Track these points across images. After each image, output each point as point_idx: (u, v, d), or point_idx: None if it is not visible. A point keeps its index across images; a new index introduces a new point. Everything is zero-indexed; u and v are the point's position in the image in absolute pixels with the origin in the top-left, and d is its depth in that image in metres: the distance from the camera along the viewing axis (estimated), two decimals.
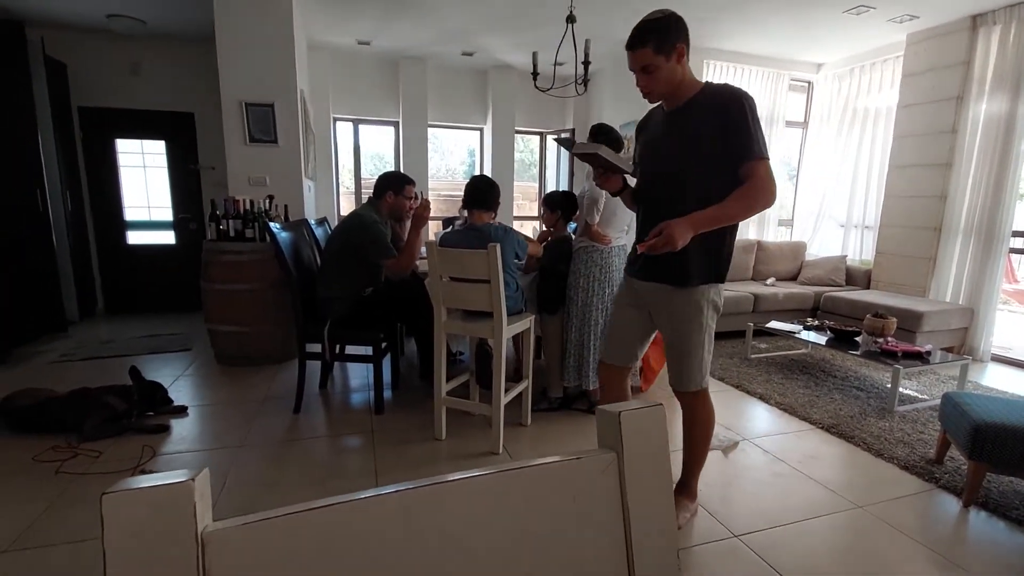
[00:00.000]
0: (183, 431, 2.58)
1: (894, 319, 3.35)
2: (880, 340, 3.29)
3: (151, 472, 2.15)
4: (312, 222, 3.50)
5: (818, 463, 2.34)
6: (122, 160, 5.04)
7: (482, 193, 2.52)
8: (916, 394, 3.21)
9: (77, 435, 2.41)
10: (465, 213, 2.68)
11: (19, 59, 3.86)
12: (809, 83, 5.66)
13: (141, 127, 4.99)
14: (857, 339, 3.42)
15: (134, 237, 5.18)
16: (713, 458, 2.37)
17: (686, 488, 1.90)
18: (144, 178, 5.13)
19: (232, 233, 3.52)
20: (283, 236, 2.76)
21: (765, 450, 2.45)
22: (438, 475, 0.47)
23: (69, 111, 4.68)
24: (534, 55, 3.31)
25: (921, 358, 3.05)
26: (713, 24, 4.39)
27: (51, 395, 2.60)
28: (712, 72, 5.17)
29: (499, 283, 2.18)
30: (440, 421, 2.47)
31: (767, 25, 4.41)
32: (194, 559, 0.38)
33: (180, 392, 3.05)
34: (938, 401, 3.02)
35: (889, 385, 3.23)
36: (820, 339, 3.49)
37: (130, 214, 5.13)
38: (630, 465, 0.52)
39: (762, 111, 5.37)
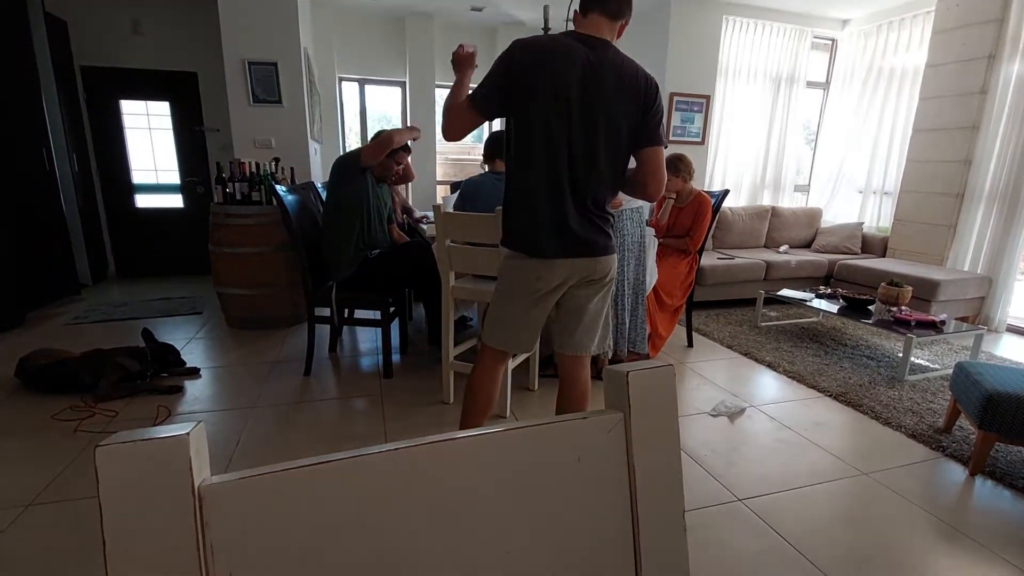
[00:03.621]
0: (196, 392, 2.63)
1: (909, 288, 3.29)
2: (894, 309, 3.24)
3: None
4: (319, 185, 3.46)
5: (825, 430, 2.34)
6: (127, 122, 4.99)
7: (502, 144, 2.54)
8: (928, 364, 3.18)
9: (93, 395, 2.46)
10: (486, 167, 2.71)
11: (19, 17, 3.78)
12: (833, 41, 5.42)
13: (145, 87, 4.92)
14: (870, 308, 3.37)
15: (142, 200, 5.18)
16: (719, 424, 2.38)
17: None
18: (150, 140, 5.08)
19: (239, 196, 3.49)
20: (289, 199, 2.73)
21: (771, 417, 2.45)
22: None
23: (72, 71, 4.60)
24: (545, 9, 3.18)
25: (935, 327, 3.01)
26: None
27: (66, 355, 2.64)
28: (732, 28, 4.96)
29: None
30: (448, 385, 2.49)
31: None
32: (191, 512, 0.37)
33: (192, 354, 3.09)
34: (950, 371, 3.00)
35: (901, 355, 3.20)
36: (832, 308, 3.45)
37: (137, 177, 5.11)
38: (637, 425, 0.50)
39: (783, 71, 5.19)
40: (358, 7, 5.16)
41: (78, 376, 2.53)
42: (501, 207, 1.65)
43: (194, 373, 2.83)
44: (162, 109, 5.03)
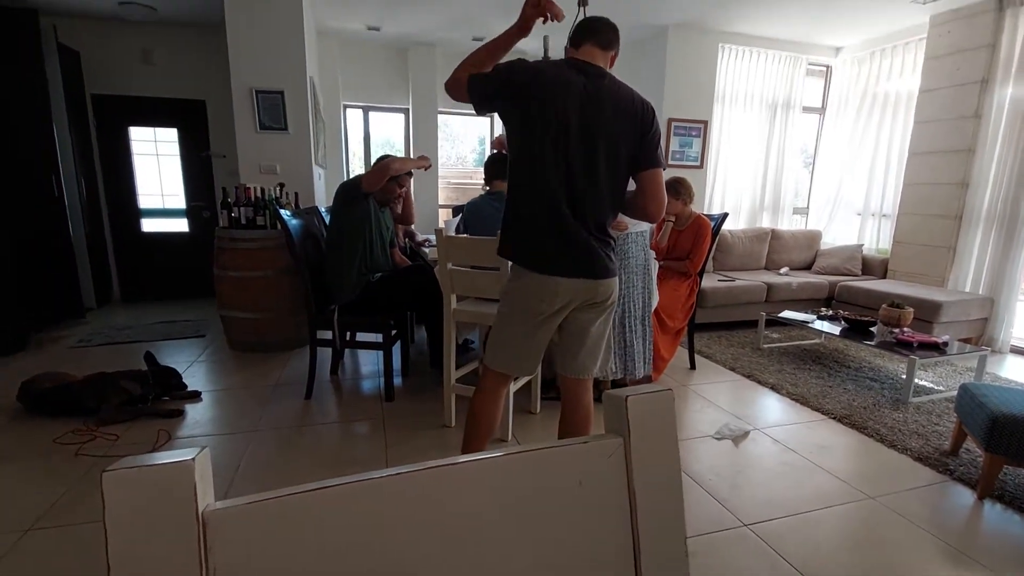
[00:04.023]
0: (197, 415, 2.62)
1: (911, 309, 3.29)
2: (896, 330, 3.24)
3: None
4: (322, 209, 3.51)
5: (830, 453, 2.32)
6: (135, 148, 5.08)
7: (502, 165, 2.66)
8: (932, 385, 3.16)
9: (95, 418, 2.46)
10: (487, 188, 2.78)
11: (33, 47, 3.89)
12: (827, 67, 5.53)
13: (154, 115, 5.02)
14: (872, 329, 3.36)
15: (148, 224, 5.24)
16: (723, 447, 2.36)
17: None
18: (157, 166, 5.17)
19: (244, 221, 3.54)
20: (294, 223, 2.77)
21: (776, 440, 2.43)
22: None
23: (83, 99, 4.71)
24: (545, 39, 3.25)
25: (938, 349, 3.00)
26: (729, 7, 4.29)
27: (69, 379, 2.65)
28: (728, 55, 5.07)
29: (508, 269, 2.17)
30: (450, 408, 2.48)
31: (785, 8, 4.30)
32: (195, 537, 0.38)
33: (194, 377, 3.09)
34: (954, 393, 2.98)
35: (904, 376, 3.19)
36: (834, 329, 3.44)
37: (144, 201, 5.18)
38: (637, 450, 0.51)
39: (779, 96, 5.28)
40: (363, 38, 5.30)
41: (81, 400, 2.53)
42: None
43: (195, 397, 2.83)
44: (170, 136, 5.13)
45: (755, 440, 2.43)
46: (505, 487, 0.47)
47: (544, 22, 1.57)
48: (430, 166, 3.06)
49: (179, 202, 5.25)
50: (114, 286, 5.18)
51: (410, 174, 2.99)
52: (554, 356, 1.74)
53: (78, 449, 2.23)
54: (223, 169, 5.12)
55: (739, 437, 2.44)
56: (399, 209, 3.16)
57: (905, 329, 3.23)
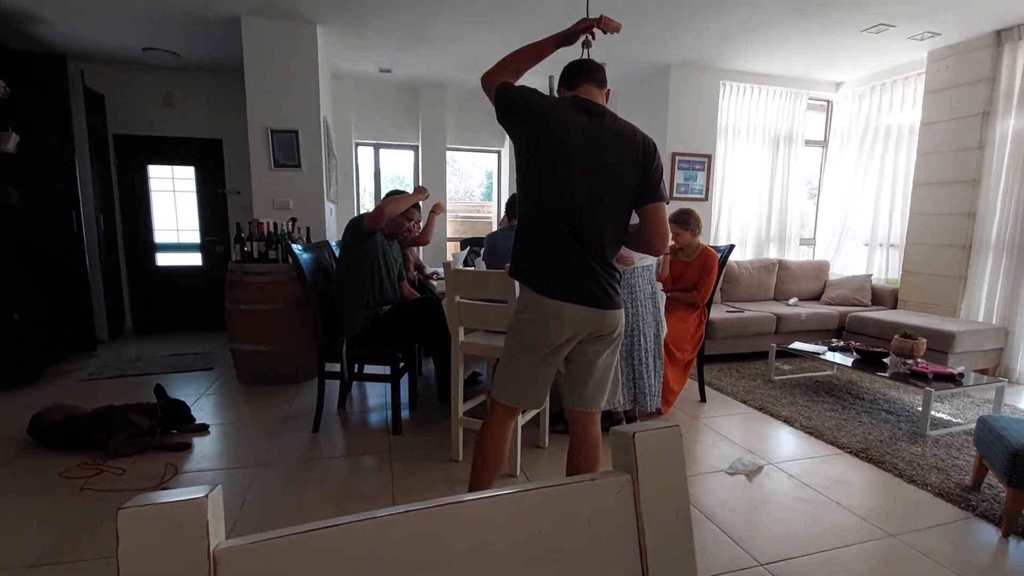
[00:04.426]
0: (205, 449, 2.61)
1: (924, 340, 3.25)
2: (909, 361, 3.19)
3: (173, 490, 2.18)
4: (333, 243, 3.57)
5: (847, 489, 2.26)
6: (153, 185, 5.23)
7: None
8: (949, 418, 3.09)
9: (102, 452, 2.46)
10: (507, 222, 2.93)
11: (60, 90, 4.06)
12: (828, 102, 5.62)
13: (172, 153, 5.19)
14: (885, 360, 3.32)
15: (163, 259, 5.34)
16: (737, 482, 2.31)
17: None
18: (174, 202, 5.30)
19: (256, 255, 3.60)
20: (304, 257, 2.81)
21: (791, 475, 2.37)
22: (452, 495, 0.47)
23: (106, 139, 4.88)
24: (550, 79, 3.37)
25: (953, 380, 2.95)
26: (729, 45, 4.41)
27: (78, 412, 2.66)
28: (729, 92, 5.18)
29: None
30: (457, 442, 2.46)
31: (785, 45, 4.42)
32: (207, 575, 0.38)
33: (202, 410, 3.10)
34: (973, 425, 2.91)
35: (920, 408, 3.12)
36: (846, 360, 3.40)
37: (159, 236, 5.30)
38: (645, 487, 0.51)
39: (780, 130, 5.36)
40: (375, 79, 5.48)
41: (89, 433, 2.53)
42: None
43: (203, 430, 2.83)
44: (187, 173, 5.28)
45: (769, 475, 2.38)
46: (513, 525, 0.47)
47: (592, 37, 1.68)
48: (427, 196, 3.09)
49: (194, 237, 5.36)
50: (127, 318, 5.25)
51: (417, 207, 3.05)
52: (561, 389, 1.74)
53: (84, 483, 2.23)
54: (237, 205, 5.25)
55: (753, 472, 2.39)
56: (416, 233, 3.20)
57: (919, 360, 3.18)
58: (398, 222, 2.92)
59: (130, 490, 2.17)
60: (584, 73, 1.63)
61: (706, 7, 3.68)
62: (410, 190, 3.00)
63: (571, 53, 1.74)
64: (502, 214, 6.47)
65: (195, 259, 5.40)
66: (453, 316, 2.37)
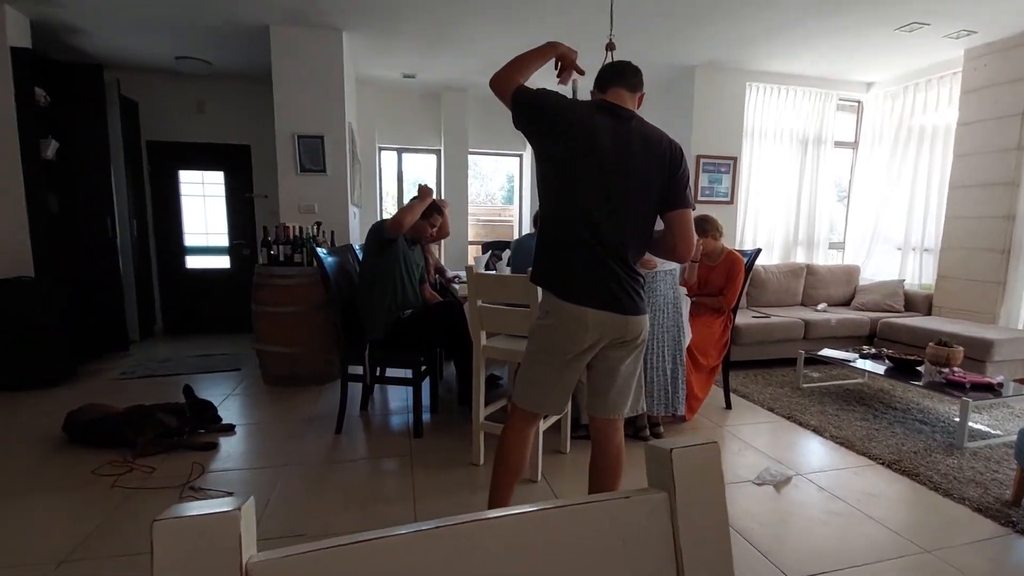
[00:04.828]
0: (230, 449, 2.66)
1: (960, 348, 3.13)
2: (945, 370, 3.08)
3: (200, 489, 2.22)
4: (357, 247, 3.61)
5: (879, 502, 2.18)
6: (184, 189, 5.37)
7: None
8: (988, 429, 2.97)
9: (132, 450, 2.52)
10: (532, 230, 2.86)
11: (97, 99, 4.20)
12: (859, 102, 5.48)
13: (202, 159, 5.32)
14: (919, 368, 3.21)
15: (192, 261, 5.48)
16: (764, 493, 2.25)
17: None
18: (203, 206, 5.43)
19: (282, 258, 3.66)
20: (329, 261, 2.85)
21: (821, 486, 2.31)
22: (479, 510, 0.46)
23: (139, 145, 5.03)
24: (573, 82, 3.35)
25: (992, 390, 2.84)
26: (756, 46, 4.34)
27: (110, 411, 2.74)
28: (756, 93, 5.09)
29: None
30: (478, 446, 2.46)
31: (813, 45, 4.32)
32: None
33: (229, 411, 3.16)
34: (1013, 437, 2.80)
35: (956, 419, 3.01)
36: (878, 368, 3.30)
37: (189, 240, 5.44)
38: (683, 506, 0.49)
39: (809, 132, 5.25)
40: (399, 85, 5.54)
41: (120, 431, 2.60)
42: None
43: (229, 430, 2.88)
44: (217, 178, 5.41)
45: (798, 486, 2.32)
46: (545, 543, 0.46)
47: (557, 72, 1.67)
48: (432, 194, 3.02)
49: (222, 240, 5.49)
50: (158, 319, 5.39)
51: (440, 212, 3.05)
52: (584, 395, 1.72)
53: (114, 481, 2.28)
54: (264, 209, 5.35)
55: (781, 483, 2.33)
56: (434, 235, 3.17)
57: (955, 369, 3.07)
58: (420, 227, 2.94)
59: (159, 488, 2.22)
60: (615, 77, 1.60)
61: (732, 8, 3.63)
62: (433, 197, 3.00)
63: (585, 50, 1.72)
64: (526, 219, 6.47)
65: (223, 262, 5.52)
66: (475, 320, 2.37)
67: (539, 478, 2.32)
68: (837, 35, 4.07)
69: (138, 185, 5.02)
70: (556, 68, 1.68)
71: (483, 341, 2.40)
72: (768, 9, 3.63)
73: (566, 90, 1.83)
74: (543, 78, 1.66)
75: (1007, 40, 3.96)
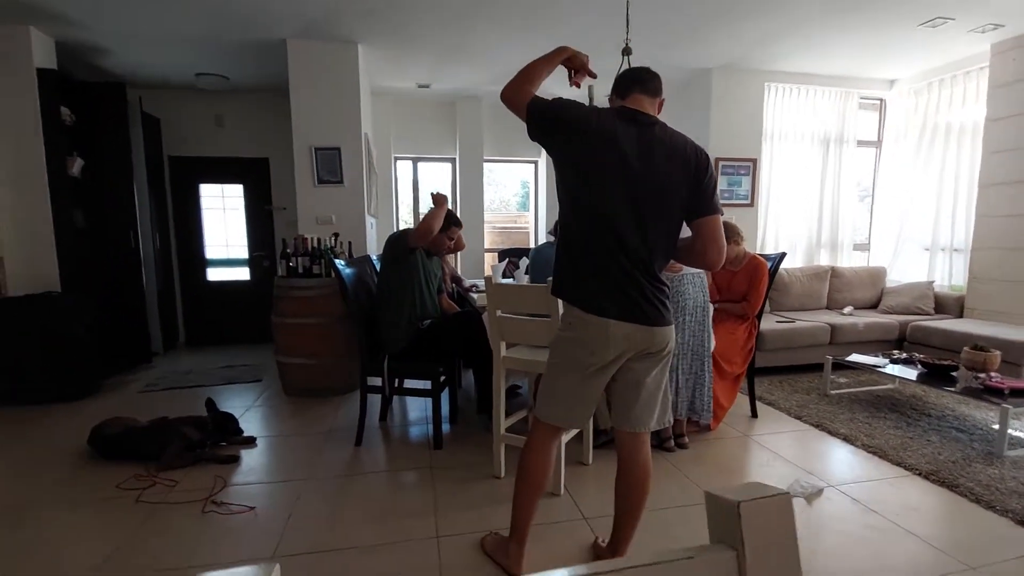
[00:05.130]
0: (252, 462, 2.66)
1: (997, 352, 3.01)
2: (982, 375, 2.96)
3: (222, 503, 2.22)
4: (374, 257, 3.61)
5: (918, 515, 2.09)
6: (204, 203, 5.46)
7: None
8: None
9: (156, 463, 2.54)
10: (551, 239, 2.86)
11: (120, 116, 4.30)
12: (881, 100, 5.36)
13: (222, 172, 5.41)
14: (954, 374, 3.09)
15: (213, 273, 5.55)
16: (796, 507, 2.16)
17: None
18: (224, 219, 5.51)
19: (301, 270, 3.69)
20: (347, 272, 2.85)
21: (854, 499, 2.22)
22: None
23: (161, 160, 5.14)
24: (589, 88, 3.32)
25: None
26: (773, 45, 4.27)
27: (135, 424, 2.77)
28: (774, 93, 5.01)
29: (559, 317, 2.14)
30: (499, 458, 2.42)
31: (833, 44, 4.24)
32: None
33: (250, 423, 3.17)
34: None
35: (995, 426, 2.89)
36: (910, 374, 3.19)
37: (210, 252, 5.52)
38: (754, 566, 0.45)
39: (830, 132, 5.14)
40: (414, 94, 5.57)
41: (144, 445, 2.62)
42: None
43: (251, 442, 2.89)
44: (236, 191, 5.48)
45: (830, 499, 2.23)
46: None
47: (572, 75, 1.66)
48: (447, 200, 3.00)
49: (242, 252, 5.56)
50: (180, 331, 5.47)
51: (459, 224, 3.04)
52: (608, 408, 1.68)
53: (138, 495, 2.30)
54: (283, 220, 5.41)
55: (813, 495, 2.25)
56: (451, 247, 3.17)
57: (992, 374, 2.95)
58: (438, 240, 2.92)
59: (181, 502, 2.23)
60: (634, 83, 1.57)
61: (748, 8, 3.58)
62: (448, 203, 2.99)
63: (598, 56, 1.70)
64: (541, 227, 6.44)
65: (243, 274, 5.59)
66: (495, 331, 2.34)
67: (562, 491, 2.27)
68: (857, 32, 3.99)
69: (160, 199, 5.11)
70: (571, 74, 1.66)
71: (503, 352, 2.37)
72: (785, 7, 3.56)
73: (582, 96, 1.80)
74: (559, 85, 1.64)
75: None
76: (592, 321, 1.49)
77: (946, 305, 4.58)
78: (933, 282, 4.77)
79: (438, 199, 2.93)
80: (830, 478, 2.41)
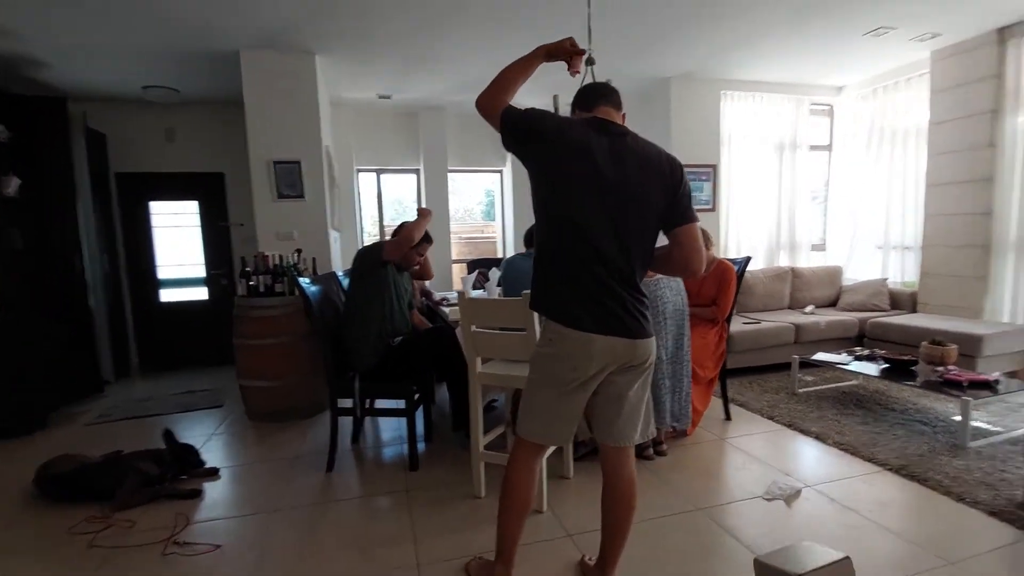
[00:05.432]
0: (216, 495, 2.51)
1: (954, 346, 3.14)
2: (940, 369, 3.08)
3: (185, 543, 2.07)
4: (340, 274, 3.50)
5: (893, 511, 2.14)
6: (156, 221, 5.20)
7: None
8: (988, 427, 2.97)
9: (110, 503, 2.36)
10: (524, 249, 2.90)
11: (62, 132, 4.05)
12: (830, 106, 5.58)
13: (174, 189, 5.16)
14: (914, 368, 3.21)
15: (167, 294, 5.28)
16: (776, 508, 2.19)
17: None
18: (177, 237, 5.26)
19: (262, 289, 3.54)
20: (312, 290, 2.74)
21: (832, 498, 2.26)
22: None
23: (107, 177, 4.86)
24: (555, 98, 3.31)
25: (990, 387, 2.84)
26: (729, 55, 4.39)
27: (86, 460, 2.57)
28: (731, 100, 5.14)
29: (536, 331, 2.10)
30: (479, 478, 2.35)
31: (785, 53, 4.39)
32: None
33: (212, 452, 3.00)
34: (1015, 433, 2.80)
35: (956, 417, 3.01)
36: (874, 370, 3.29)
37: (163, 272, 5.25)
38: None
39: (784, 136, 5.32)
40: (375, 106, 5.47)
41: (97, 483, 2.44)
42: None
43: (214, 474, 2.73)
44: (190, 208, 5.25)
45: (808, 499, 2.26)
46: None
47: (570, 67, 1.64)
48: (431, 214, 2.98)
49: (198, 271, 5.31)
50: (132, 357, 5.17)
51: (429, 240, 2.98)
52: (587, 421, 1.64)
53: (92, 540, 2.13)
54: (241, 236, 5.20)
55: (791, 496, 2.27)
56: (417, 268, 3.13)
57: (950, 367, 3.07)
58: (409, 256, 2.85)
59: (140, 545, 2.07)
60: (600, 96, 1.57)
61: (705, 20, 3.66)
62: (412, 215, 2.94)
63: (559, 68, 1.69)
64: (509, 236, 6.41)
65: (200, 293, 5.34)
66: (470, 346, 2.28)
67: (545, 508, 2.22)
68: (807, 42, 4.14)
69: (107, 218, 4.84)
70: (568, 67, 1.64)
71: (479, 368, 2.31)
72: (740, 20, 3.67)
73: (548, 106, 1.78)
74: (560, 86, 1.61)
75: (972, 40, 4.07)
76: (572, 336, 1.46)
77: (900, 301, 4.77)
78: (887, 279, 4.97)
79: (423, 211, 2.90)
80: (806, 478, 2.45)
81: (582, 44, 2.04)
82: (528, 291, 2.03)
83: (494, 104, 1.48)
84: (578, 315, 1.45)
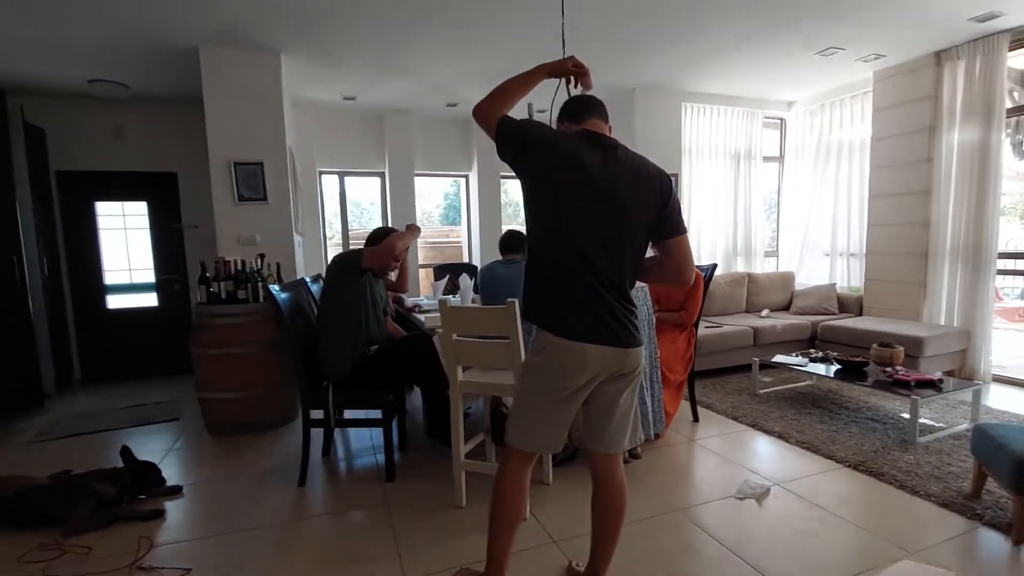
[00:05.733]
0: (180, 515, 2.39)
1: (901, 348, 3.36)
2: (889, 369, 3.29)
3: (150, 568, 1.96)
4: (308, 280, 3.40)
5: (855, 505, 2.27)
6: (102, 223, 4.90)
7: (515, 240, 2.91)
8: (932, 423, 3.19)
9: (63, 528, 2.20)
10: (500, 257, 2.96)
11: None
12: (782, 120, 5.88)
13: (122, 189, 4.88)
14: (865, 369, 3.41)
15: (114, 301, 4.98)
16: (748, 507, 2.28)
17: None
18: (125, 240, 4.97)
19: (224, 295, 3.39)
20: (283, 297, 2.65)
21: (799, 495, 2.37)
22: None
23: (47, 176, 4.54)
24: (529, 106, 3.34)
25: (935, 386, 3.05)
26: (687, 70, 4.55)
27: (32, 482, 2.39)
28: (690, 112, 5.33)
29: (519, 340, 2.11)
30: (460, 487, 2.34)
31: (742, 69, 4.59)
32: None
33: (172, 469, 2.85)
34: (956, 429, 3.02)
35: (904, 415, 3.22)
36: (829, 372, 3.48)
37: (110, 277, 4.95)
38: None
39: (740, 148, 5.55)
40: (339, 107, 5.35)
41: (47, 507, 2.27)
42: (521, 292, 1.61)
43: (176, 492, 2.59)
44: (139, 209, 4.97)
45: (778, 497, 2.36)
46: None
47: (571, 85, 1.68)
48: (419, 231, 3.01)
49: (148, 276, 5.03)
50: (75, 368, 4.85)
51: (406, 248, 2.94)
52: (579, 430, 1.66)
53: (45, 568, 1.98)
54: (195, 240, 4.97)
55: (761, 495, 2.37)
56: (394, 279, 3.08)
57: (898, 368, 3.29)
58: (388, 264, 2.80)
59: (99, 572, 1.94)
60: (589, 109, 1.60)
61: (670, 36, 3.79)
62: (377, 219, 2.91)
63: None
64: (475, 242, 6.39)
65: (150, 299, 5.06)
66: (450, 355, 2.26)
67: (528, 515, 2.23)
68: (763, 59, 4.35)
69: (48, 220, 4.52)
70: (573, 85, 1.68)
71: (460, 377, 2.30)
72: (702, 37, 3.82)
73: (522, 114, 1.80)
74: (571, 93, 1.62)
75: (912, 62, 4.37)
76: (565, 346, 1.47)
77: (848, 305, 5.06)
78: (835, 284, 5.26)
79: (412, 228, 2.92)
80: (773, 476, 2.56)
81: (556, 54, 2.07)
82: (512, 299, 2.05)
83: (491, 114, 1.50)
84: (570, 324, 1.47)
